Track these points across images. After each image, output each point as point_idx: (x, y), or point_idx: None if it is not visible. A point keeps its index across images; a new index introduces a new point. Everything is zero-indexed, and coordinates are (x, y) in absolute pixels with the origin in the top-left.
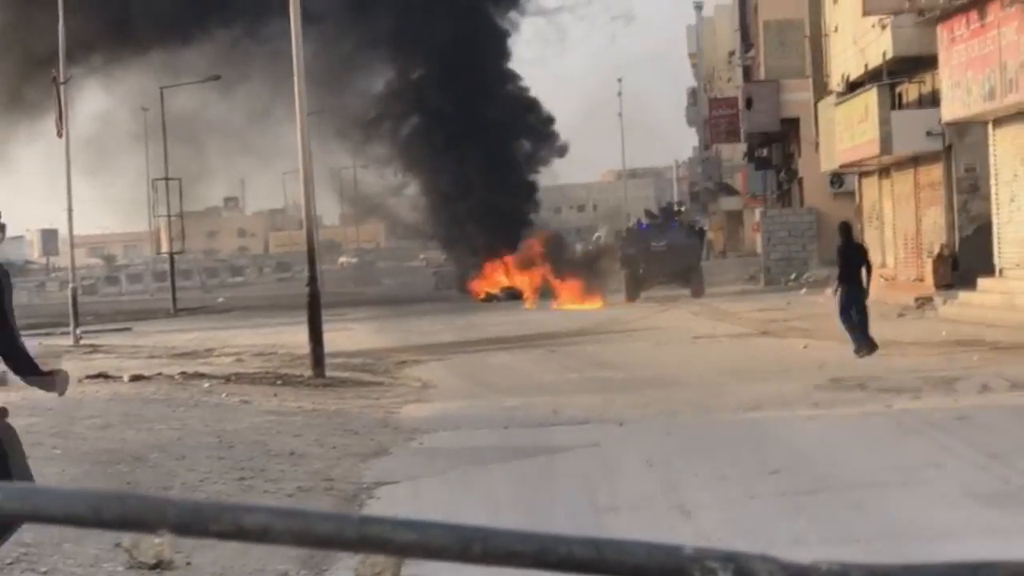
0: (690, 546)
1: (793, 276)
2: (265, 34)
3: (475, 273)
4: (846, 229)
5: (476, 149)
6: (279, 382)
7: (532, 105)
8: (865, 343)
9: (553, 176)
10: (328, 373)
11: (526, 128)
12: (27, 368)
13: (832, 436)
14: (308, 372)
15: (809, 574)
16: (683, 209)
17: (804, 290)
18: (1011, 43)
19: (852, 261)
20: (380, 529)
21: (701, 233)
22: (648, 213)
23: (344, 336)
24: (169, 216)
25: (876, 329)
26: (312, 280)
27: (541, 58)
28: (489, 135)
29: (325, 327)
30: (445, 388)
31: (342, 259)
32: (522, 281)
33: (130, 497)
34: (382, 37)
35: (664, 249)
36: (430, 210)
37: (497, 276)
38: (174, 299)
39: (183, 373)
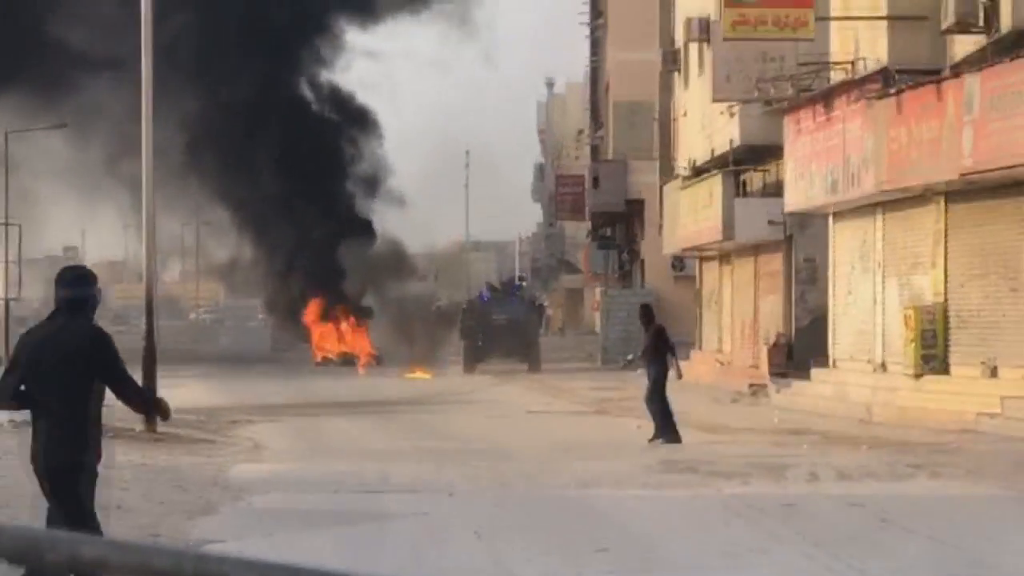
0: None
1: (630, 356)
2: (104, 81)
3: (305, 325)
4: (650, 311)
5: (290, 172)
6: (109, 434)
7: (359, 115)
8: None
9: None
10: (160, 428)
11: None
12: (142, 407)
13: (662, 517)
14: (139, 426)
15: None
16: (524, 283)
17: (640, 370)
18: (855, 138)
19: (660, 344)
20: (218, 566)
21: (540, 308)
22: (490, 285)
23: (178, 392)
24: (7, 261)
25: (710, 413)
26: (149, 334)
27: (381, 117)
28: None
29: (159, 382)
30: (277, 449)
31: (193, 315)
32: (357, 345)
33: None
34: (189, 72)
35: (504, 322)
36: (251, 250)
37: (331, 340)
38: (7, 346)
39: (12, 421)
